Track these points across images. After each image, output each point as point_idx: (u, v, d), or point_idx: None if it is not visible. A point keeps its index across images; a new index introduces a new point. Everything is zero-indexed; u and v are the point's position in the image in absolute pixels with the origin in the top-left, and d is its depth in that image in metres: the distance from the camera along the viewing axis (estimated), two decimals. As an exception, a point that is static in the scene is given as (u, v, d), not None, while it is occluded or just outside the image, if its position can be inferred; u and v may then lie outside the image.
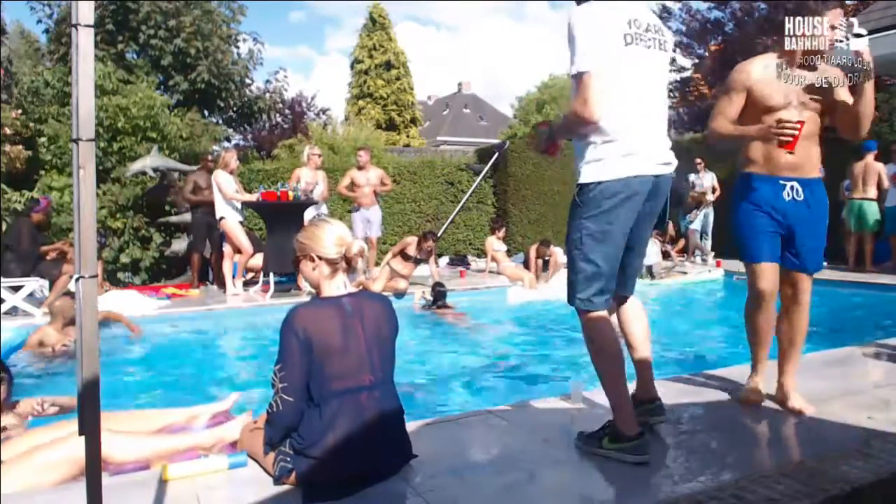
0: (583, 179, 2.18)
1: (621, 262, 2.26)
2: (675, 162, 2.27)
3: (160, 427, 2.61)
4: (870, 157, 7.89)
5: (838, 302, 6.68)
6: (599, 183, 2.13)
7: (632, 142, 2.12)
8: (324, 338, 1.98)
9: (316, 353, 1.96)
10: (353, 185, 8.23)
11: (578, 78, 2.06)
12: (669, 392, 2.14)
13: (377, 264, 8.11)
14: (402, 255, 7.28)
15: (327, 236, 2.11)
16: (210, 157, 8.00)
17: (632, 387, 2.42)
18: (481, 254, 11.72)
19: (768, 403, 2.74)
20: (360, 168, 8.27)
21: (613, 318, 2.41)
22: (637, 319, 2.45)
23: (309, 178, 7.65)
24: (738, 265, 2.91)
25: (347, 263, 2.13)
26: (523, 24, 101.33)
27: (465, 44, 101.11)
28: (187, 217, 8.18)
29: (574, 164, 2.25)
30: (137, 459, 2.27)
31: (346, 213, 8.51)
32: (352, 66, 32.07)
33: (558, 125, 2.34)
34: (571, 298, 2.26)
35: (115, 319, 5.37)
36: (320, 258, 2.10)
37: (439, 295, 6.43)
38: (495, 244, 8.95)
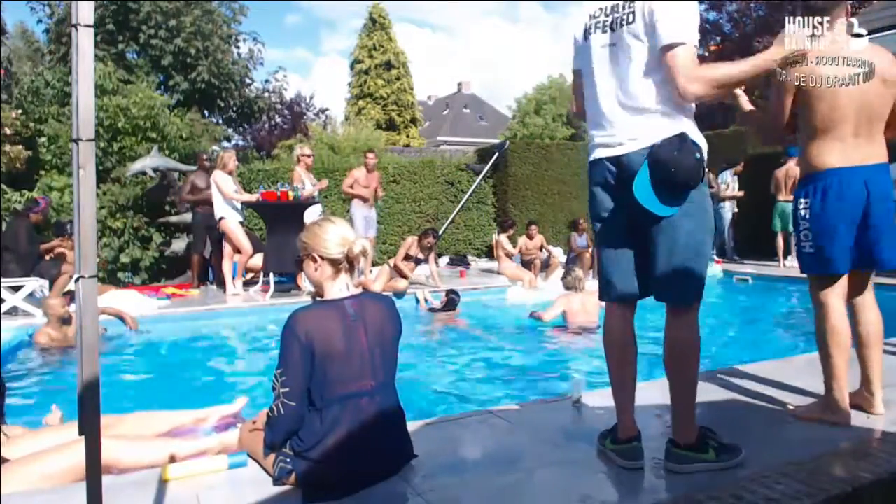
0: None
1: (636, 263, 2.13)
2: (641, 137, 2.01)
3: (167, 430, 2.57)
4: (791, 163, 8.30)
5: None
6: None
7: (593, 130, 2.18)
8: (326, 342, 1.95)
9: (318, 358, 1.94)
10: (356, 185, 8.24)
11: None
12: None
13: (375, 264, 8.11)
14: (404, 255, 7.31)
15: (330, 236, 2.06)
16: (205, 156, 7.97)
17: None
18: (481, 254, 11.72)
19: (768, 404, 2.74)
20: (369, 170, 8.27)
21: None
22: (669, 347, 2.11)
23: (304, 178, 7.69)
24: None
25: (350, 264, 2.09)
26: (518, 26, 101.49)
27: (462, 45, 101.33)
28: (187, 217, 8.17)
29: None
30: (142, 465, 2.23)
31: (347, 213, 8.52)
32: (352, 67, 32.07)
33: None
34: None
35: (113, 314, 5.33)
36: (323, 258, 2.07)
37: (451, 303, 6.45)
38: (505, 243, 8.93)
